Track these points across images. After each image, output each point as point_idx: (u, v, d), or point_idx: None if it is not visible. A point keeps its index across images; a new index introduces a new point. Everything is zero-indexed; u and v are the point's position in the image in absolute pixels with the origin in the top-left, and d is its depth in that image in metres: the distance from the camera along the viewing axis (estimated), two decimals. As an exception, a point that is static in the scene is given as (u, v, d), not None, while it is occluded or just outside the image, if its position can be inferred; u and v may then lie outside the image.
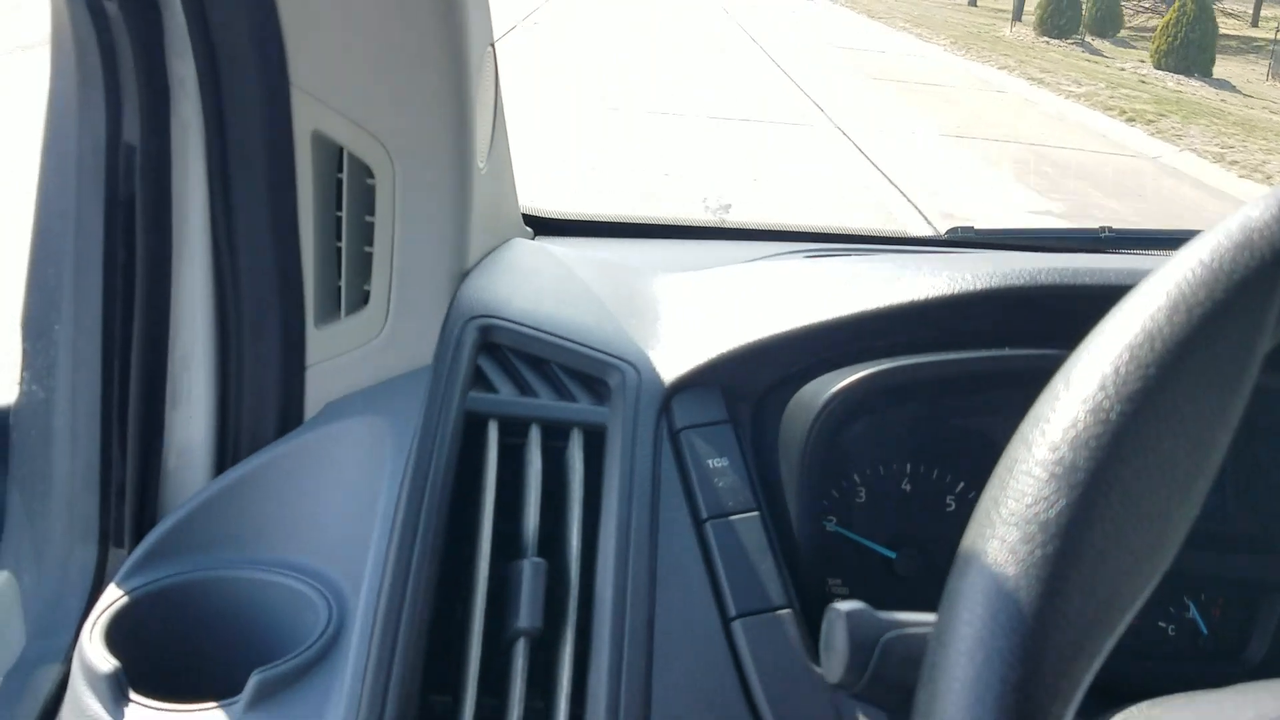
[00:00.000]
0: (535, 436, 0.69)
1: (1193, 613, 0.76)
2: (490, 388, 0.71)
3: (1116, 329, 0.37)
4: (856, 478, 0.78)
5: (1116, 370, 0.35)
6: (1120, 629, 0.34)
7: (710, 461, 0.69)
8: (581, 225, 1.11)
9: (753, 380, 0.72)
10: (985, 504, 0.36)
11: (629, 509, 0.67)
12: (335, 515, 0.72)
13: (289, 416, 0.78)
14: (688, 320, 0.78)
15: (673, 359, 0.73)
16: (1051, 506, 0.33)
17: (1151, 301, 0.37)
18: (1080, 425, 0.34)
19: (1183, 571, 0.77)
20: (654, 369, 0.72)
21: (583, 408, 0.71)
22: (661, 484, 0.68)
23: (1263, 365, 0.70)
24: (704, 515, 0.67)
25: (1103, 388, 0.35)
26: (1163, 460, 0.34)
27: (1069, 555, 0.33)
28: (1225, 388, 0.35)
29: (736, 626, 0.64)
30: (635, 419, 0.70)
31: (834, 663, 0.46)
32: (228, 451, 0.77)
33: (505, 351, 0.73)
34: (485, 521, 0.66)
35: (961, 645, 0.33)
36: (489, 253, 0.84)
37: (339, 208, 0.76)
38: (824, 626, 0.47)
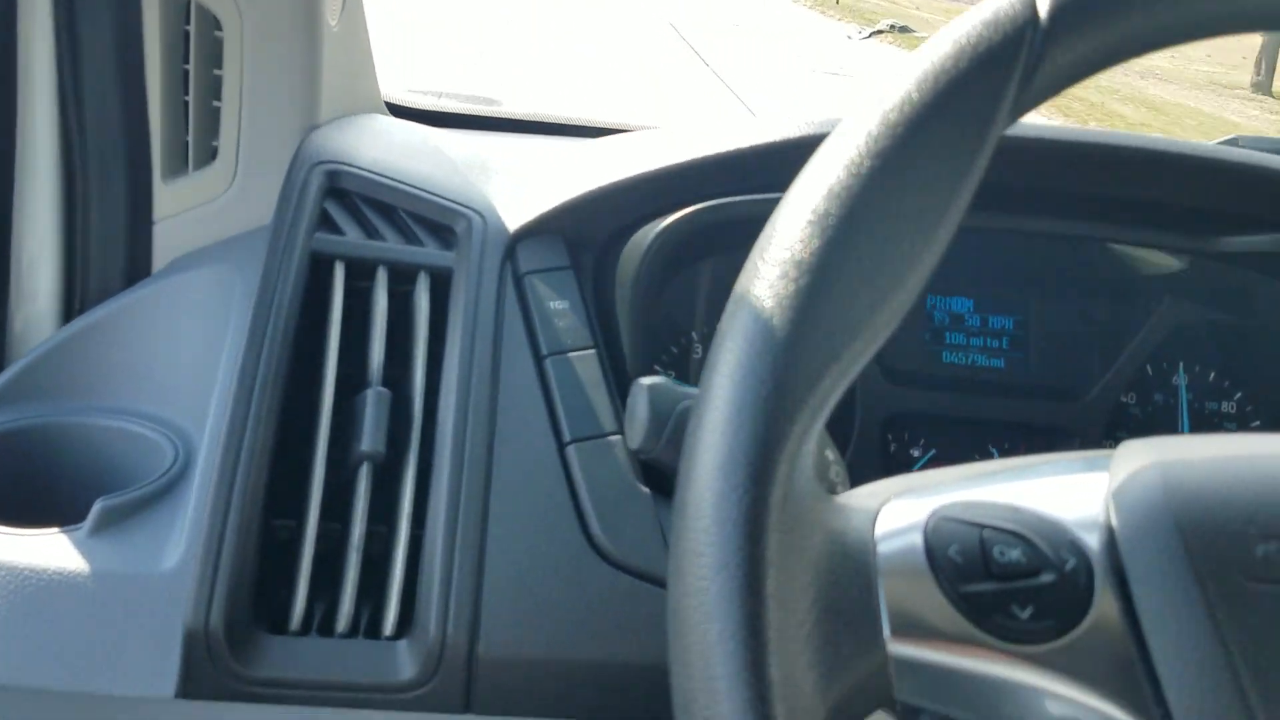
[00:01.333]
0: (382, 278, 0.71)
1: (995, 458, 0.83)
2: (337, 231, 0.72)
3: (877, 97, 0.41)
4: (694, 335, 0.82)
5: (870, 132, 0.39)
6: (865, 358, 0.38)
7: (551, 304, 0.72)
8: (443, 116, 1.12)
9: (594, 229, 0.75)
10: (752, 255, 0.39)
11: (472, 345, 0.70)
12: (183, 364, 0.73)
13: (137, 270, 0.78)
14: (533, 174, 0.81)
15: (518, 209, 0.76)
16: (806, 247, 0.37)
17: (909, 73, 0.41)
18: (836, 178, 0.38)
19: (987, 419, 0.84)
20: (500, 218, 0.75)
21: (430, 252, 0.73)
22: (504, 324, 0.71)
23: (1063, 213, 0.77)
24: (544, 352, 0.70)
25: (858, 147, 0.39)
26: (906, 211, 0.38)
27: (820, 288, 0.36)
28: (964, 152, 0.39)
29: (570, 451, 0.68)
30: (480, 264, 0.72)
31: (635, 430, 0.50)
32: (74, 303, 0.78)
33: (353, 197, 0.74)
34: (330, 357, 0.68)
35: (723, 369, 0.36)
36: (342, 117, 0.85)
37: (186, 61, 0.76)
38: (629, 399, 0.51)
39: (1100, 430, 0.84)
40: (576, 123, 1.18)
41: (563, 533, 0.66)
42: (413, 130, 0.92)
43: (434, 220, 0.75)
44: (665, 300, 0.81)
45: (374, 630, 0.65)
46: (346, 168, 0.75)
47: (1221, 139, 1.04)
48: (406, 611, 0.66)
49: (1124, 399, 0.86)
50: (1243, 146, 0.92)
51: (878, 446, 0.83)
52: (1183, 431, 0.86)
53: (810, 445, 0.36)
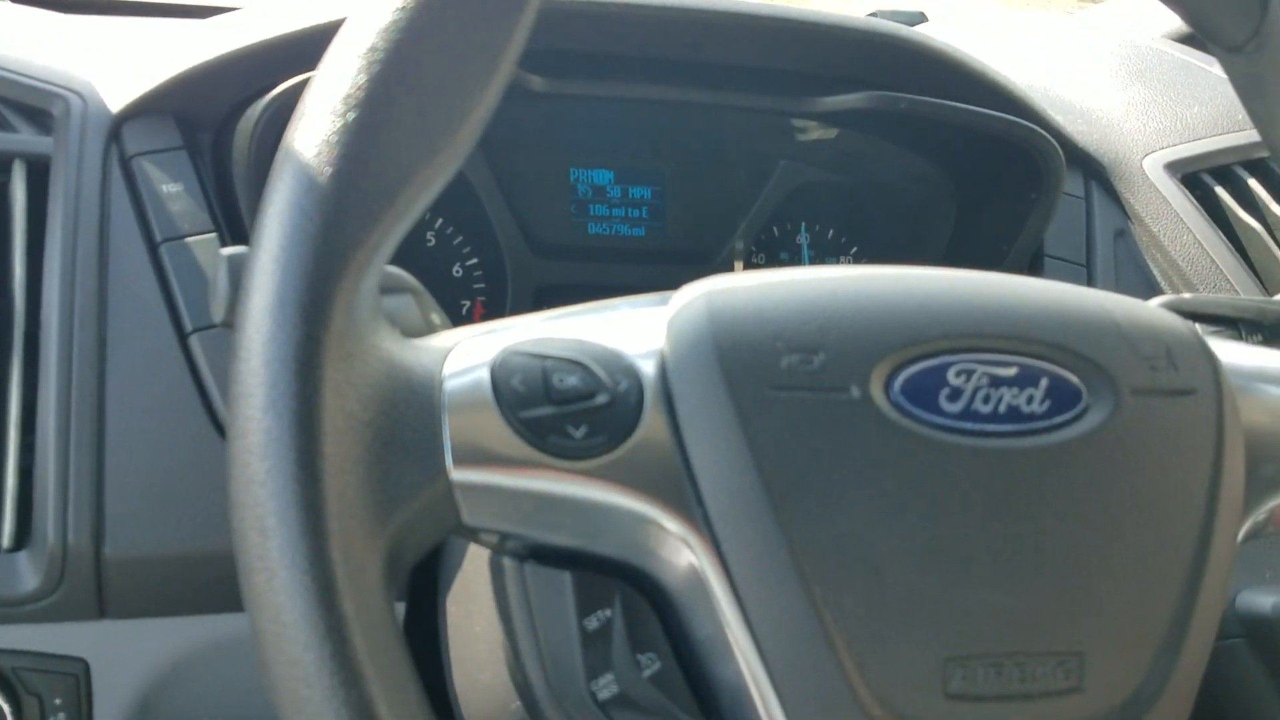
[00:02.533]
0: None
1: None
2: None
3: None
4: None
5: None
6: (426, 197, 0.38)
7: (164, 187, 0.68)
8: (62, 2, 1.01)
9: (208, 106, 0.71)
10: (304, 96, 0.38)
11: (75, 236, 0.65)
12: None
13: None
14: (141, 49, 0.75)
15: (122, 87, 0.70)
16: (354, 83, 0.36)
17: None
18: (386, 17, 0.37)
19: (632, 287, 0.88)
20: (101, 98, 0.70)
21: (24, 138, 0.67)
22: (111, 211, 0.67)
23: (681, 81, 0.81)
24: (158, 239, 0.67)
25: None
26: (455, 46, 0.38)
27: (370, 123, 0.36)
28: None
29: (194, 341, 0.65)
30: (81, 148, 0.67)
31: (217, 302, 0.48)
32: None
33: None
34: None
35: (272, 210, 0.35)
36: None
37: None
38: (210, 275, 0.49)
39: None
40: (210, 4, 1.10)
41: (191, 426, 0.64)
42: (22, 14, 0.83)
43: (27, 104, 0.69)
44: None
45: None
46: None
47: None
48: (26, 521, 0.62)
49: (754, 260, 0.92)
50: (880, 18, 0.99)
51: (530, 319, 0.85)
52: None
53: (371, 282, 0.36)
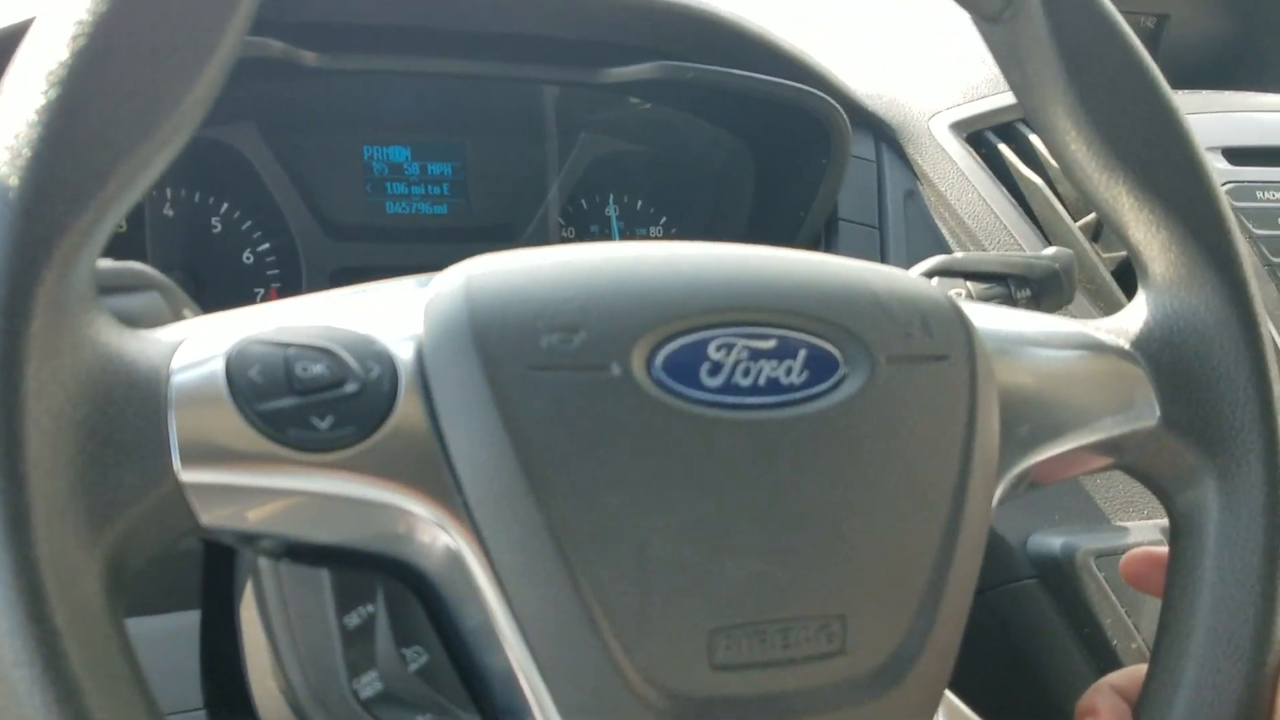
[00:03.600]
0: None
1: None
2: None
3: None
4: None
5: None
6: (142, 183, 0.35)
7: None
8: None
9: None
10: (3, 83, 0.35)
11: None
12: None
13: None
14: None
15: None
16: (56, 59, 0.34)
17: None
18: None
19: (435, 266, 0.86)
20: None
21: None
22: None
23: (473, 53, 0.79)
24: None
25: None
26: (166, 26, 0.35)
27: (72, 100, 0.33)
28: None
29: None
30: None
31: None
32: None
33: None
34: None
35: None
36: None
37: None
38: None
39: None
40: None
41: None
42: None
43: None
44: None
45: None
46: None
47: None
48: None
49: (563, 234, 0.91)
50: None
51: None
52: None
53: (83, 271, 0.33)
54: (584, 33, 0.78)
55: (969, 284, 0.61)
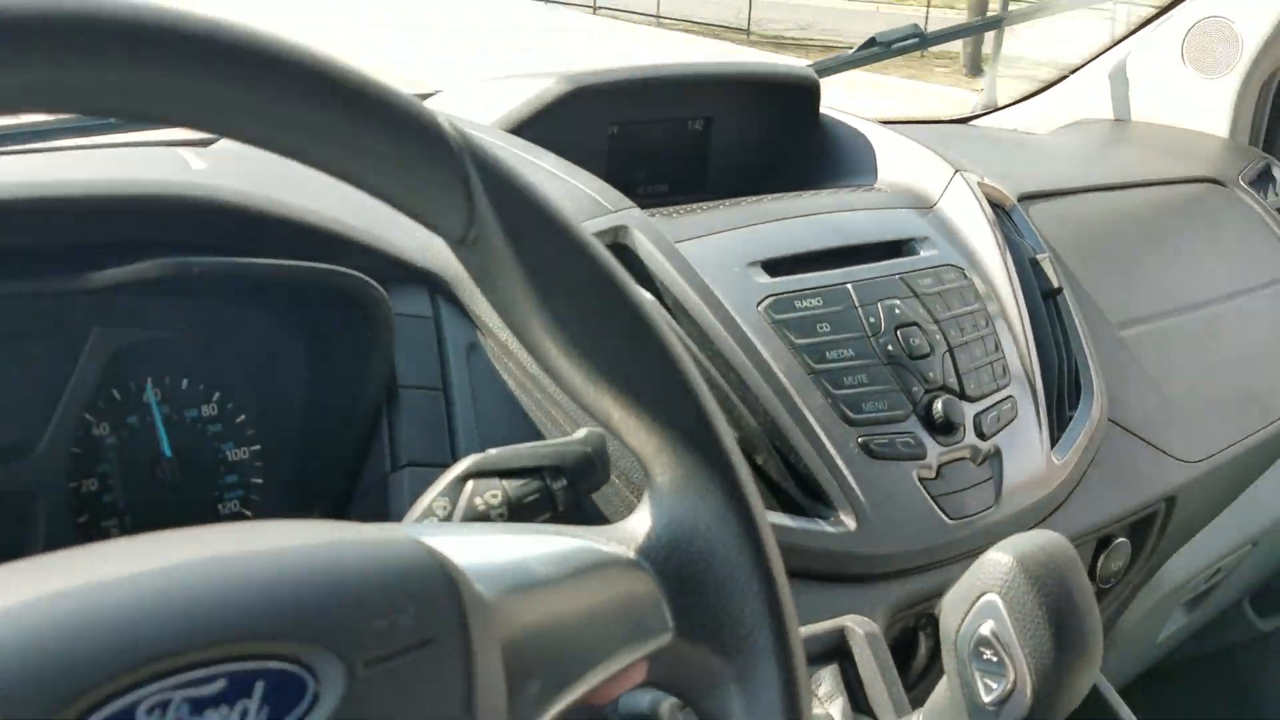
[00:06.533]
0: None
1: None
2: None
3: None
4: None
5: None
6: None
7: None
8: None
9: None
10: None
11: None
12: None
13: None
14: None
15: None
16: None
17: None
18: None
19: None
20: None
21: None
22: None
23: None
24: None
25: None
26: None
27: None
28: None
29: None
30: None
31: None
32: None
33: None
34: None
35: None
36: None
37: None
38: None
39: (64, 474, 0.78)
40: None
41: None
42: None
43: None
44: None
45: None
46: None
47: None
48: None
49: (95, 431, 0.81)
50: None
51: None
52: (164, 444, 0.84)
53: None
54: (69, 237, 0.69)
55: (504, 483, 0.59)
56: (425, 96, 1.33)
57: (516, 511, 0.58)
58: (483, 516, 0.58)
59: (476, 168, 0.46)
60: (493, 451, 0.60)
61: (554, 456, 0.60)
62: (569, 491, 0.60)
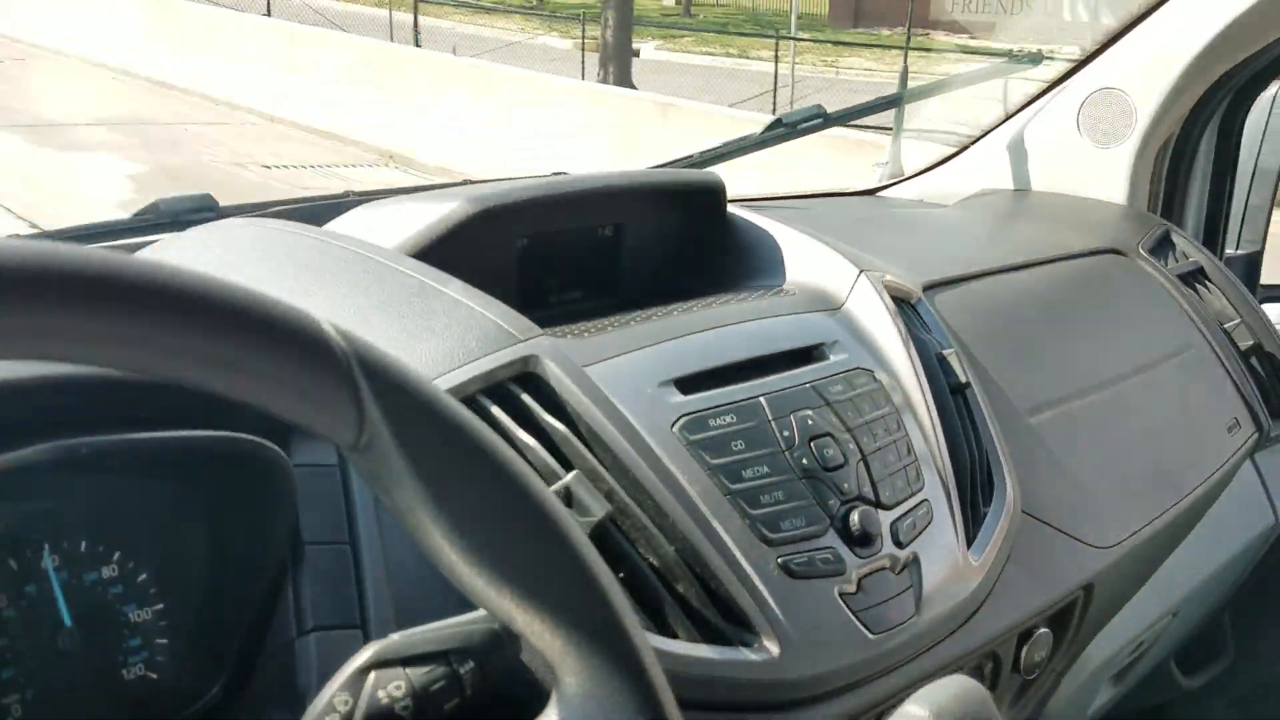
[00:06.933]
0: None
1: None
2: None
3: None
4: None
5: None
6: None
7: None
8: None
9: None
10: None
11: None
12: None
13: None
14: None
15: None
16: None
17: None
18: None
19: None
20: None
21: None
22: None
23: None
24: None
25: None
26: None
27: None
28: None
29: None
30: None
31: None
32: None
33: None
34: None
35: None
36: None
37: None
38: None
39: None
40: None
41: None
42: None
43: None
44: None
45: None
46: None
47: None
48: None
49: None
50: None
51: None
52: (64, 613, 0.81)
53: None
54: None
55: (408, 671, 0.58)
56: (337, 201, 1.31)
57: (422, 701, 0.57)
58: (387, 710, 0.56)
59: (364, 373, 0.45)
60: (395, 637, 0.58)
61: (459, 638, 0.59)
62: (476, 673, 0.59)
